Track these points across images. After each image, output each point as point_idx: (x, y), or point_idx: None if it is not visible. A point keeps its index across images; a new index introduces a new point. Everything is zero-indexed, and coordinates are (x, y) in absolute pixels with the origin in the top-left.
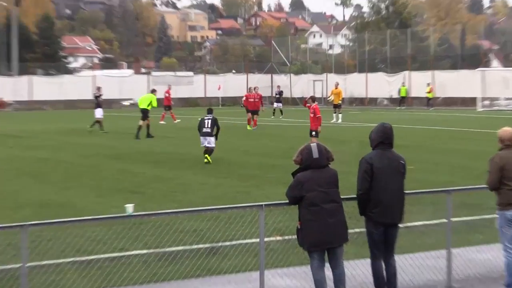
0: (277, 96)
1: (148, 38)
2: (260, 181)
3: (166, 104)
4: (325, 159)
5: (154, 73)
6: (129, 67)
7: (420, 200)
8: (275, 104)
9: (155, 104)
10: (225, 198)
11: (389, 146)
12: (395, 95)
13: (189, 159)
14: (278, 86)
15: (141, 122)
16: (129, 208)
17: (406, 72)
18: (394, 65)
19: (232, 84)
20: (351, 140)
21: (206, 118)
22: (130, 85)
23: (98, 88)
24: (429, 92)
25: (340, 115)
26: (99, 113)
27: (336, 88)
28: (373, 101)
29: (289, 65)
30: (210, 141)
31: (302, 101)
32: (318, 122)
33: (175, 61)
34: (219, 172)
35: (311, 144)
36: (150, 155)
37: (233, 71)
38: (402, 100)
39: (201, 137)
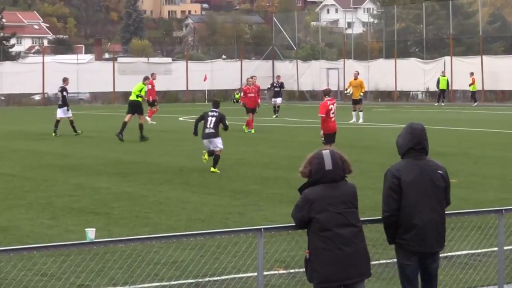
0: (276, 89)
1: (112, 14)
2: (258, 199)
3: (150, 98)
4: (340, 171)
5: (121, 60)
6: (88, 52)
7: (464, 223)
8: (273, 100)
9: (143, 93)
10: (213, 220)
11: (421, 152)
12: (432, 87)
13: (166, 171)
14: (278, 77)
15: (141, 119)
16: (90, 233)
17: (447, 58)
18: (432, 49)
19: (222, 74)
20: (376, 146)
21: (209, 114)
22: (90, 75)
23: (65, 80)
24: (471, 84)
25: (361, 114)
26: (63, 113)
27: (356, 78)
28: (404, 95)
29: (295, 49)
30: (216, 144)
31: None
32: (322, 124)
33: (147, 43)
34: (206, 187)
35: (323, 152)
36: (117, 165)
37: (224, 56)
38: (442, 94)
39: (204, 140)
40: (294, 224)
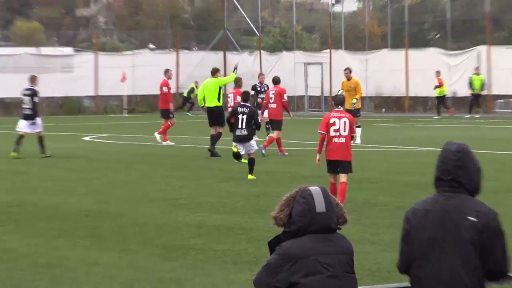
0: (262, 95)
1: None
2: (202, 259)
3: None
4: (335, 217)
5: None
6: None
7: None
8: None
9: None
10: None
11: (452, 186)
12: (462, 91)
13: (65, 217)
14: (261, 76)
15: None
16: None
17: (483, 48)
18: (460, 35)
19: (149, 71)
20: (379, 179)
21: (239, 110)
22: None
23: (33, 79)
24: (437, 87)
25: (358, 131)
26: (29, 126)
27: (349, 79)
28: (419, 103)
29: (258, 34)
30: (250, 148)
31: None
32: (320, 146)
33: (38, 27)
34: (124, 241)
35: (311, 188)
36: None
37: (150, 45)
38: (475, 100)
39: (235, 143)
40: None
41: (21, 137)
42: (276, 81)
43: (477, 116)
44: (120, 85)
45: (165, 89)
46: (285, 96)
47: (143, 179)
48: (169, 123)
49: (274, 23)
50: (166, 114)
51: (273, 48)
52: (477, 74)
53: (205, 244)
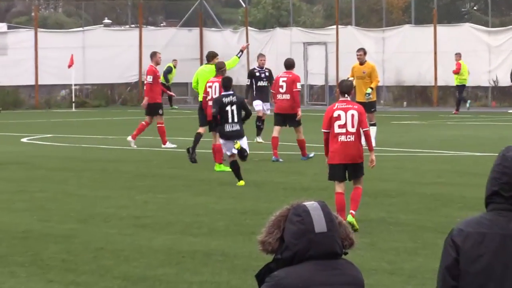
0: (262, 82)
1: None
2: None
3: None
4: (339, 239)
5: None
6: None
7: None
8: (254, 104)
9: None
10: None
11: None
12: (505, 80)
13: None
14: (261, 57)
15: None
16: None
17: None
18: (504, 7)
19: (103, 53)
20: (400, 191)
21: (225, 100)
22: None
23: None
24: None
25: (373, 130)
26: None
27: (362, 63)
28: (450, 94)
29: (244, 6)
30: (242, 144)
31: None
32: (326, 147)
33: None
34: (71, 270)
35: (307, 204)
36: None
37: (107, 20)
38: None
39: (224, 141)
40: None
41: None
42: (289, 64)
43: None
44: (67, 72)
45: (149, 79)
46: (298, 85)
47: (97, 192)
48: (144, 122)
49: None
50: (154, 111)
51: (264, 24)
52: None
53: (176, 275)
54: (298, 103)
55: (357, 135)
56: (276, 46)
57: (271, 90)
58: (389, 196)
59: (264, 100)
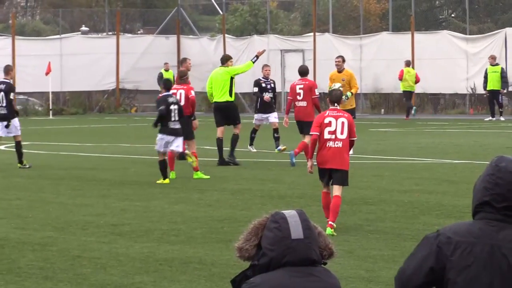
0: (268, 93)
1: None
2: None
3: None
4: (316, 247)
5: None
6: None
7: None
8: (258, 117)
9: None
10: None
11: (506, 215)
12: (481, 87)
13: None
14: (266, 68)
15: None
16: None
17: (510, 31)
18: (481, 14)
19: (81, 61)
20: (378, 200)
21: (170, 100)
22: None
23: (8, 70)
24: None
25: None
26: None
27: (341, 70)
28: (429, 101)
29: (221, 13)
30: (179, 144)
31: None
32: (310, 149)
33: None
34: (51, 279)
35: (285, 212)
36: None
37: (84, 27)
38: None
39: (162, 135)
40: None
41: None
42: (303, 71)
43: (502, 118)
44: (44, 79)
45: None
46: (316, 91)
47: (74, 200)
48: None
49: None
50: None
51: (241, 31)
52: (494, 64)
53: (154, 283)
54: (319, 108)
55: (345, 142)
56: (254, 53)
57: (288, 97)
58: (367, 203)
59: (269, 111)
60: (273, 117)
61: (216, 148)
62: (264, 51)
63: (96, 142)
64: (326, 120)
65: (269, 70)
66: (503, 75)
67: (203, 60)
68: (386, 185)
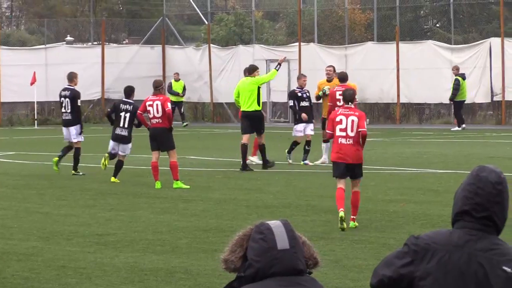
0: (304, 102)
1: None
2: None
3: None
4: (301, 257)
5: None
6: None
7: None
8: (298, 130)
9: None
10: None
11: (483, 224)
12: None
13: None
14: (302, 78)
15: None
16: None
17: (494, 41)
18: (466, 24)
19: (66, 70)
20: (364, 209)
21: (122, 107)
22: None
23: (73, 77)
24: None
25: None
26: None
27: (331, 79)
28: (413, 111)
29: (207, 23)
30: (125, 149)
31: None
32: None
33: None
34: None
35: (270, 223)
36: None
37: (69, 37)
38: (456, 110)
39: (113, 142)
40: None
41: (69, 147)
42: (343, 77)
43: (464, 127)
44: (29, 89)
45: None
46: (356, 97)
47: (59, 210)
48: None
49: (227, 8)
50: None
51: (226, 41)
52: (459, 74)
53: None
54: None
55: (356, 139)
56: (239, 63)
57: (329, 103)
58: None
59: (308, 121)
60: (309, 129)
61: (241, 154)
62: (285, 58)
63: (81, 152)
64: (338, 118)
65: (305, 80)
66: (455, 87)
67: (189, 70)
68: (372, 195)
